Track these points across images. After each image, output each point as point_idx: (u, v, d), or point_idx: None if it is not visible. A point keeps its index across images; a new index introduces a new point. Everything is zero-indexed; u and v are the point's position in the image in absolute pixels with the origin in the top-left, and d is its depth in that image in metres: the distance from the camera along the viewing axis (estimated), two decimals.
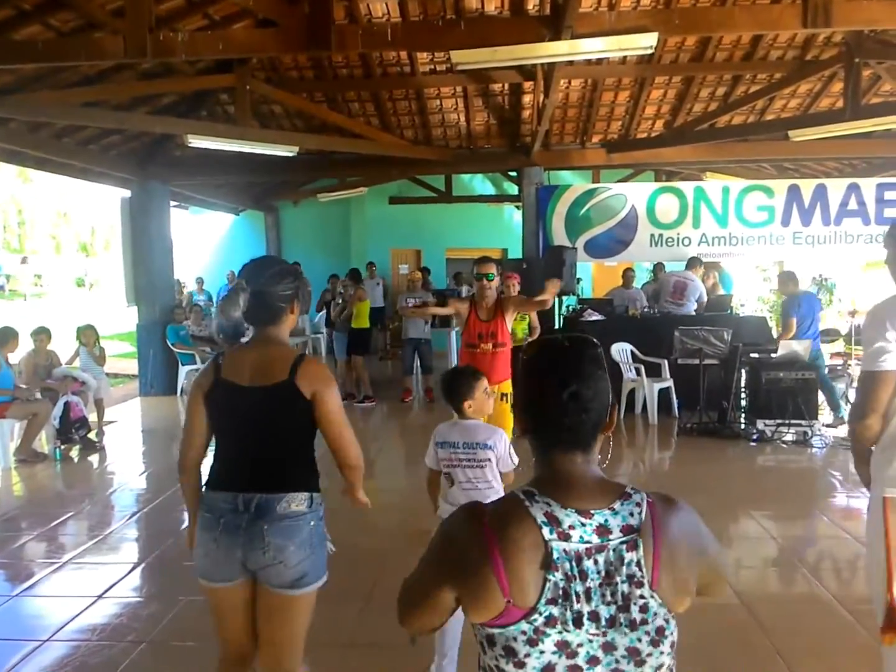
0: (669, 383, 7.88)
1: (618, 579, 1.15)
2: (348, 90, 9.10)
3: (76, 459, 6.90)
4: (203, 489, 2.29)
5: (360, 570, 3.93)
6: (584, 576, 1.15)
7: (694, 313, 8.47)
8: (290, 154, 8.34)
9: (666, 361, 7.86)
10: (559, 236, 9.61)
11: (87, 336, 7.87)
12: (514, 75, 8.26)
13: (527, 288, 8.81)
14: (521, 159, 9.75)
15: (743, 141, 9.41)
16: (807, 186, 9.58)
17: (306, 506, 2.20)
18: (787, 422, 7.00)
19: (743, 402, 7.75)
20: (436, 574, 1.28)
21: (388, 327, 13.70)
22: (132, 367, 11.61)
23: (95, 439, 7.24)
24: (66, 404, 7.02)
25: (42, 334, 7.28)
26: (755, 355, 7.54)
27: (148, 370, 10.04)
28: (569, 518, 1.17)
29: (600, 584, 1.15)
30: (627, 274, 9.97)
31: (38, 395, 7.01)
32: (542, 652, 1.15)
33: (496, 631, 1.18)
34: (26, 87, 6.86)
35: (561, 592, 1.14)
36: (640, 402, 8.04)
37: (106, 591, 3.88)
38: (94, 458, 7.03)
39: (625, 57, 7.89)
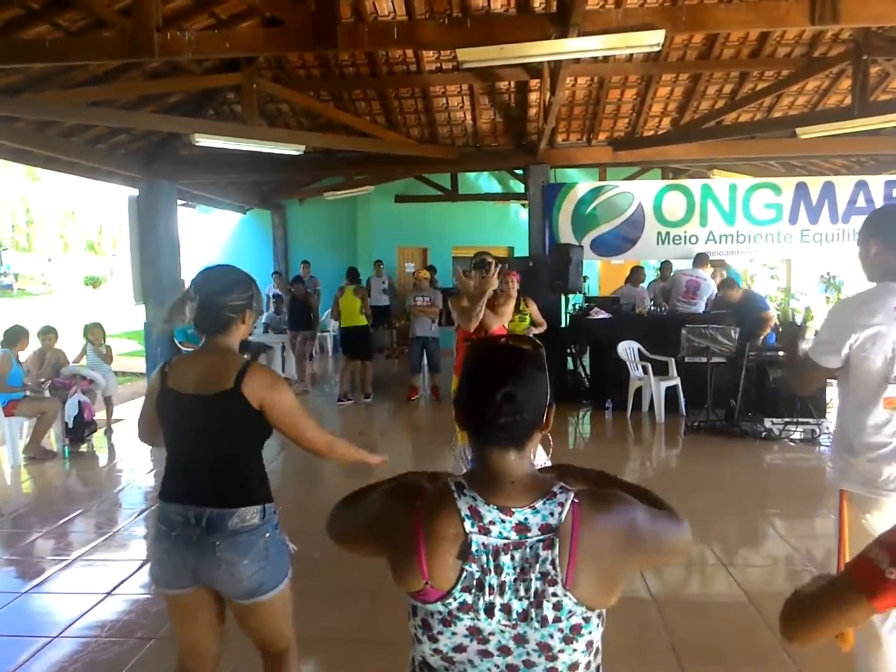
0: (676, 381, 7.86)
1: (532, 576, 1.18)
2: (355, 89, 9.10)
3: (85, 457, 6.94)
4: (158, 498, 2.28)
5: (367, 567, 3.93)
6: (499, 570, 1.19)
7: (704, 311, 8.46)
8: (297, 153, 8.35)
9: (673, 360, 7.85)
10: (565, 234, 9.59)
11: (95, 334, 7.91)
12: (520, 73, 8.25)
13: (533, 286, 8.83)
14: (528, 157, 9.73)
15: (750, 138, 9.37)
16: (815, 184, 9.53)
17: (259, 518, 2.17)
18: (795, 420, 6.98)
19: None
20: (369, 532, 1.36)
21: (395, 326, 13.71)
22: (140, 365, 11.66)
23: (86, 445, 7.28)
24: (80, 404, 7.06)
25: (50, 333, 7.31)
26: (763, 353, 7.52)
27: (155, 368, 10.07)
28: (490, 514, 1.21)
29: (515, 580, 1.19)
30: (637, 272, 9.95)
31: (47, 394, 7.05)
32: (454, 633, 1.21)
33: (417, 603, 1.25)
34: (34, 86, 6.89)
35: (475, 582, 1.19)
36: (646, 401, 8.03)
37: (115, 587, 3.91)
38: (102, 456, 7.07)
39: (631, 54, 7.86)
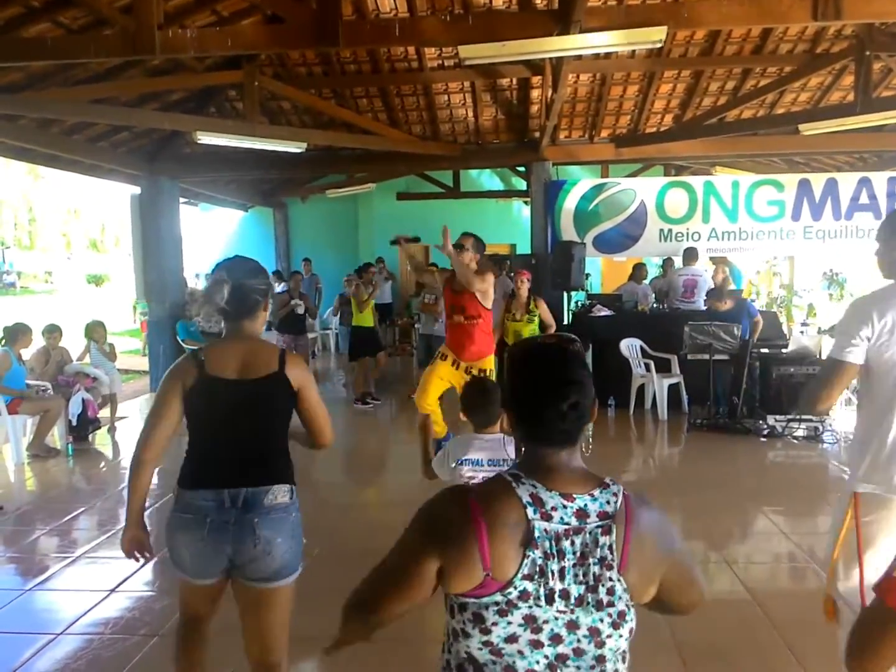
0: (679, 379, 7.86)
1: (591, 560, 1.22)
2: (356, 86, 9.09)
3: (88, 455, 6.95)
4: (176, 489, 2.28)
5: (370, 564, 3.94)
6: (561, 555, 1.21)
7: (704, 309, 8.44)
8: (299, 150, 8.35)
9: (676, 357, 7.84)
10: (568, 231, 9.58)
11: (97, 333, 7.91)
12: (522, 70, 8.24)
13: (536, 283, 8.81)
14: (530, 154, 9.72)
15: (753, 135, 9.35)
16: (817, 180, 9.51)
17: (289, 497, 2.27)
18: (797, 417, 6.97)
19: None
20: (421, 546, 1.30)
21: (397, 323, 13.71)
22: (143, 363, 11.67)
23: (90, 442, 7.29)
24: (84, 402, 7.07)
25: (54, 332, 7.33)
26: (765, 350, 7.51)
27: (158, 366, 10.08)
28: (552, 500, 1.24)
29: (574, 564, 1.22)
30: (639, 269, 9.93)
31: (51, 392, 7.06)
32: (509, 623, 1.22)
33: (470, 600, 1.24)
34: (36, 84, 6.89)
35: (538, 569, 1.21)
36: (649, 398, 8.02)
37: (118, 585, 3.91)
38: (106, 454, 7.08)
39: (633, 51, 7.86)
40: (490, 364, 5.07)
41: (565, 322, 9.43)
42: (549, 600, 1.21)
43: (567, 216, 9.62)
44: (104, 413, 7.63)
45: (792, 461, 6.54)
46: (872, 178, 9.42)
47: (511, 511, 1.23)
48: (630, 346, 8.02)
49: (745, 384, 7.31)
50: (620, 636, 1.25)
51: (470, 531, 1.22)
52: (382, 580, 1.38)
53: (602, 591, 1.22)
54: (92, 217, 42.24)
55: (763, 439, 6.96)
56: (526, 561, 1.21)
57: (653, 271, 11.37)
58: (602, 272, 14.08)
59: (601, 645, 1.24)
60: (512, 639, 1.22)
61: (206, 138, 7.57)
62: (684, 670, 3.05)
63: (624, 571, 1.23)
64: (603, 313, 8.59)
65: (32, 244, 41.86)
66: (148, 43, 4.99)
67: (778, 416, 7.07)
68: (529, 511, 1.22)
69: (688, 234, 9.57)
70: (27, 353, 7.11)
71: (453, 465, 2.91)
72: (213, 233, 15.69)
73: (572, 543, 1.22)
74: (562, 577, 1.21)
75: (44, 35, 5.91)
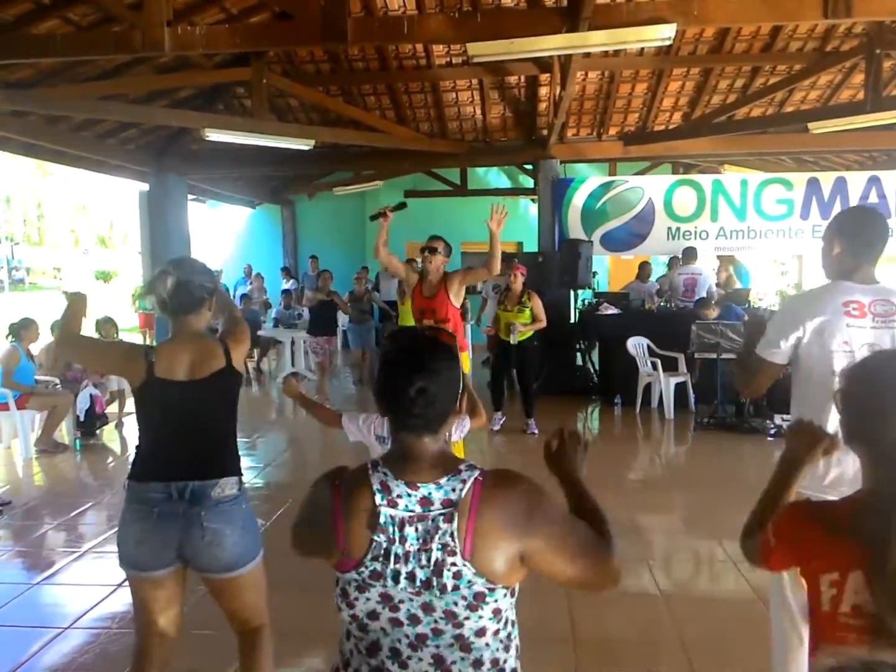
0: (686, 378, 7.84)
1: (433, 546, 1.28)
2: (364, 83, 9.10)
3: (96, 450, 6.98)
4: (127, 481, 2.32)
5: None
6: (403, 540, 1.29)
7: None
8: (306, 147, 8.36)
9: (682, 356, 7.82)
10: (575, 229, 9.56)
11: (107, 329, 7.94)
12: (530, 67, 8.22)
13: (542, 281, 8.81)
14: (537, 152, 9.70)
15: (762, 133, 9.32)
16: (826, 179, 9.46)
17: (237, 489, 2.31)
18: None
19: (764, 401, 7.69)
20: (304, 520, 1.47)
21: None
22: None
23: (98, 438, 7.32)
24: (92, 397, 7.11)
25: None
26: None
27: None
28: (398, 488, 1.31)
29: (418, 549, 1.29)
30: (643, 268, 9.91)
31: (59, 387, 7.10)
32: (367, 599, 1.32)
33: (338, 574, 1.36)
34: (45, 80, 6.92)
35: (383, 552, 1.29)
36: (656, 397, 8.00)
37: (125, 580, 3.91)
38: (113, 449, 7.11)
39: (642, 49, 7.83)
40: (465, 362, 5.07)
41: (572, 321, 9.43)
42: (395, 581, 1.29)
43: (574, 214, 9.59)
44: (112, 409, 7.66)
45: None
46: (882, 176, 9.36)
47: (364, 496, 1.32)
48: (637, 345, 8.01)
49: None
50: (480, 617, 1.30)
51: (330, 513, 1.35)
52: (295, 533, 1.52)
53: (447, 575, 1.27)
54: (100, 213, 42.38)
55: (770, 438, 6.93)
56: (374, 544, 1.29)
57: (659, 270, 11.34)
58: (609, 270, 14.05)
59: (459, 626, 1.30)
60: (373, 615, 1.32)
61: (214, 135, 7.59)
62: (690, 668, 3.05)
63: (469, 557, 1.27)
64: (610, 312, 8.58)
65: (41, 240, 42.05)
66: (157, 40, 5.01)
67: (785, 416, 7.02)
68: (378, 497, 1.31)
69: (696, 232, 9.54)
70: (35, 349, 7.14)
71: (368, 432, 2.96)
72: (220, 229, 15.73)
73: (416, 530, 1.29)
74: (406, 561, 1.28)
75: (53, 32, 5.93)
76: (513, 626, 1.38)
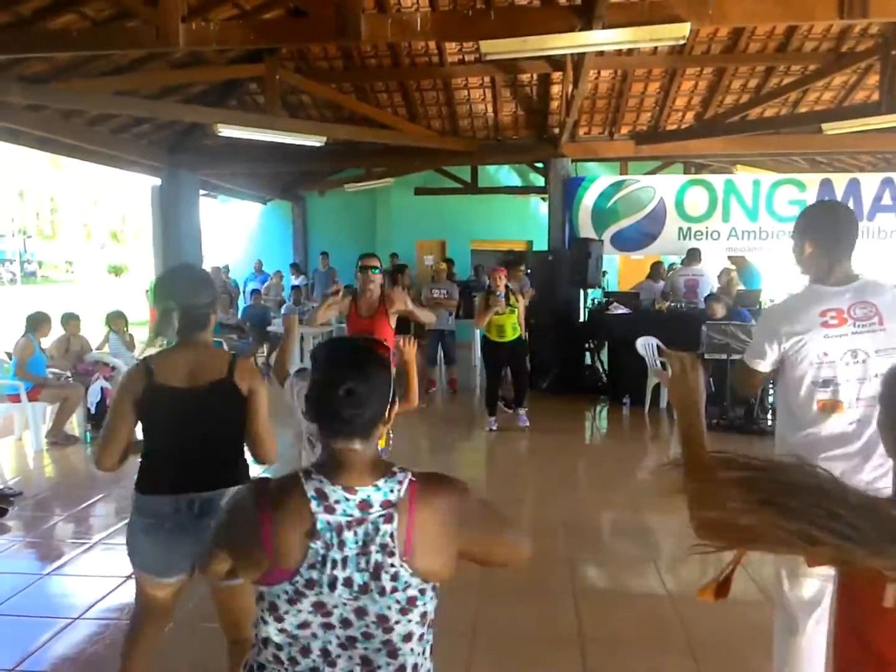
0: None
1: (372, 548, 1.29)
2: (376, 80, 9.11)
3: None
4: (134, 493, 2.32)
5: None
6: (342, 545, 1.29)
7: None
8: (318, 144, 8.37)
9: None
10: (586, 228, 9.54)
11: (117, 323, 7.99)
12: (543, 65, 8.21)
13: (552, 280, 8.80)
14: (549, 150, 9.68)
15: (775, 134, 9.27)
16: (840, 181, 9.40)
17: None
18: None
19: (770, 399, 7.66)
20: (217, 542, 1.50)
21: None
22: None
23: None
24: (103, 390, 7.15)
25: (73, 320, 7.41)
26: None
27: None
28: (335, 494, 1.31)
29: (357, 554, 1.29)
30: (657, 267, 9.87)
31: (70, 380, 7.15)
32: (299, 611, 1.31)
33: (264, 589, 1.33)
34: (60, 75, 6.96)
35: (320, 559, 1.29)
36: (665, 397, 7.97)
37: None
38: None
39: (656, 47, 7.80)
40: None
41: (582, 320, 9.42)
42: (332, 587, 1.29)
43: (585, 213, 9.58)
44: None
45: None
46: None
47: (297, 505, 1.31)
48: (646, 345, 7.98)
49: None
50: (409, 621, 1.32)
51: (256, 524, 1.32)
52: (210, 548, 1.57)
53: (385, 578, 1.29)
54: (112, 208, 42.61)
55: None
56: (310, 551, 1.29)
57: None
58: (619, 270, 14.02)
59: (389, 630, 1.32)
60: (304, 625, 1.32)
61: (226, 131, 7.62)
62: (696, 669, 3.04)
63: (409, 557, 1.30)
64: (620, 311, 8.56)
65: (54, 234, 42.32)
66: (172, 35, 5.03)
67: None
68: (313, 504, 1.30)
69: (707, 232, 9.51)
70: (46, 343, 7.19)
71: (298, 401, 2.92)
72: (232, 225, 15.78)
73: (355, 534, 1.29)
74: (344, 566, 1.29)
75: (69, 27, 5.97)
76: (429, 629, 1.41)
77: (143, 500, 2.29)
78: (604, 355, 9.26)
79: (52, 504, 5.19)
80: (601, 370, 9.19)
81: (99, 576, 3.94)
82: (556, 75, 8.64)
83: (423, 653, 1.40)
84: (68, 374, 7.27)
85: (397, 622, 1.31)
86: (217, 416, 2.29)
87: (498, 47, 5.15)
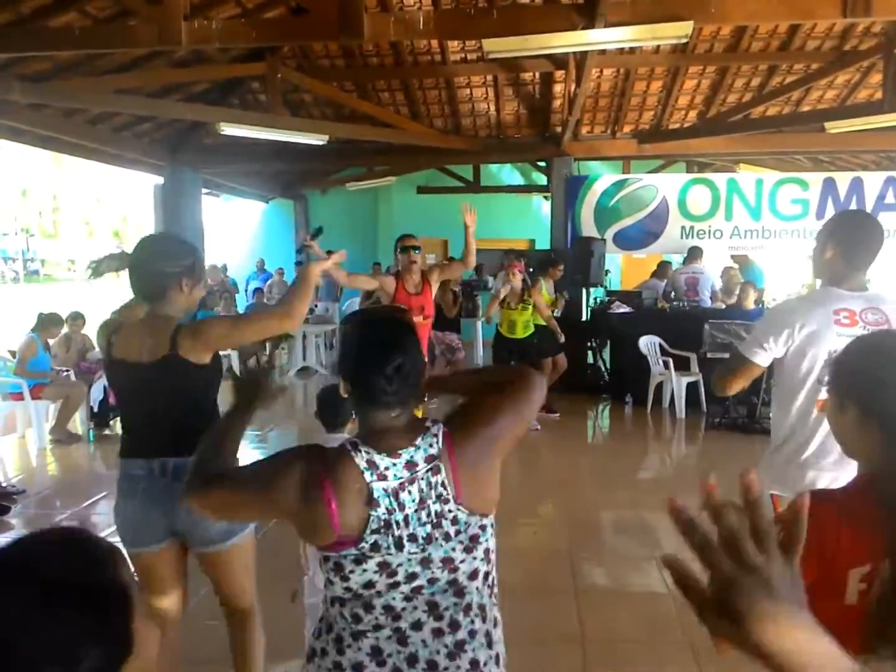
0: (698, 377, 7.80)
1: (429, 501, 1.36)
2: (378, 79, 9.10)
3: (109, 441, 7.03)
4: (118, 459, 2.36)
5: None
6: (402, 506, 1.36)
7: (723, 306, 8.38)
8: (320, 142, 8.38)
9: (695, 355, 7.78)
10: (588, 227, 9.53)
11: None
12: (545, 64, 8.20)
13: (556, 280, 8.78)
14: (551, 149, 9.67)
15: (778, 132, 9.25)
16: (843, 179, 9.38)
17: None
18: None
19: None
20: (260, 493, 1.45)
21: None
22: None
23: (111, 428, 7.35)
24: (106, 389, 7.16)
25: (78, 319, 7.44)
26: None
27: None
28: (383, 461, 1.37)
29: (416, 510, 1.36)
30: (664, 266, 9.86)
31: (73, 378, 7.16)
32: (364, 570, 1.36)
33: (330, 553, 1.38)
34: (62, 73, 6.96)
35: (383, 524, 1.35)
36: (667, 396, 7.97)
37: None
38: None
39: (658, 46, 7.79)
40: None
41: (584, 318, 9.41)
42: (399, 547, 1.35)
43: (588, 212, 9.56)
44: None
45: None
46: None
47: (352, 477, 1.36)
48: (649, 344, 7.98)
49: (763, 384, 7.24)
50: (474, 558, 1.39)
51: (320, 497, 1.35)
52: (227, 486, 1.51)
53: (447, 523, 1.36)
54: (114, 206, 42.64)
55: None
56: (372, 518, 1.35)
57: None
58: (622, 269, 14.00)
59: (455, 570, 1.38)
60: (370, 585, 1.37)
61: (228, 129, 7.62)
62: (698, 668, 3.04)
63: (462, 499, 1.37)
64: (622, 310, 8.55)
65: (56, 232, 42.37)
66: (174, 34, 5.02)
67: None
68: (367, 475, 1.36)
69: (710, 231, 9.50)
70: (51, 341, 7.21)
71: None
72: (234, 223, 15.79)
73: (410, 493, 1.36)
74: (407, 525, 1.35)
75: (71, 25, 5.96)
76: (494, 566, 1.48)
77: (122, 464, 2.33)
78: (606, 354, 9.26)
79: (54, 502, 5.20)
80: (603, 369, 9.19)
81: None
82: (559, 74, 8.63)
83: (491, 596, 1.46)
84: (66, 370, 7.27)
85: (462, 561, 1.38)
86: (168, 389, 2.24)
87: (500, 46, 5.14)
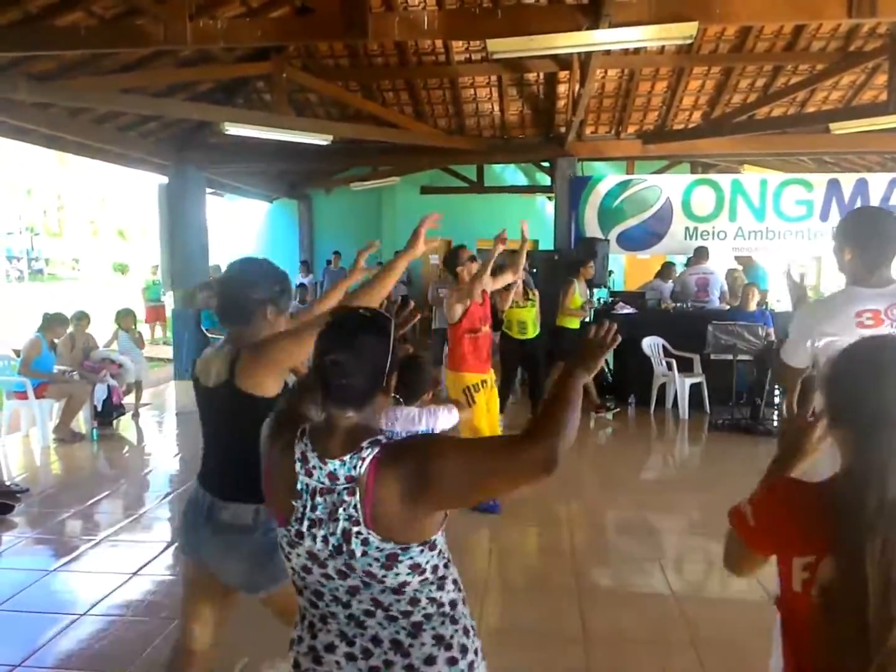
0: (701, 378, 7.79)
1: (340, 516, 1.36)
2: (383, 79, 9.10)
3: (112, 440, 7.05)
4: None
5: None
6: (314, 508, 1.39)
7: (727, 307, 8.37)
8: (324, 142, 8.38)
9: (698, 356, 7.77)
10: (591, 228, 9.53)
11: (126, 321, 8.01)
12: (549, 64, 8.19)
13: (558, 280, 8.77)
14: (555, 149, 9.66)
15: (782, 133, 9.22)
16: (847, 181, 9.36)
17: (251, 519, 2.10)
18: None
19: (776, 399, 7.64)
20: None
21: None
22: (166, 351, 11.80)
23: (114, 428, 7.39)
24: (109, 388, 7.18)
25: (83, 319, 7.45)
26: None
27: (183, 354, 10.18)
28: (313, 460, 1.40)
29: (327, 519, 1.38)
30: (668, 267, 9.85)
31: (77, 377, 7.17)
32: (298, 555, 1.43)
33: (279, 526, 1.47)
34: (67, 72, 6.97)
35: (300, 516, 1.40)
36: (670, 397, 7.96)
37: (140, 568, 3.97)
38: (129, 440, 7.18)
39: (663, 47, 7.78)
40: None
41: (587, 319, 9.39)
42: (314, 542, 1.39)
43: (591, 212, 9.56)
44: (129, 399, 7.73)
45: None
46: None
47: (287, 463, 1.43)
48: (652, 345, 7.97)
49: (767, 385, 7.24)
50: (398, 574, 1.38)
51: (266, 454, 1.52)
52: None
53: (356, 543, 1.35)
54: (118, 205, 42.70)
55: None
56: (296, 507, 1.40)
57: (680, 269, 11.27)
58: (625, 269, 13.99)
59: (381, 581, 1.38)
60: (306, 569, 1.43)
61: (233, 129, 7.62)
62: (701, 669, 3.04)
63: (373, 526, 1.35)
64: (625, 311, 8.54)
65: (60, 231, 42.44)
66: (179, 33, 5.03)
67: None
68: (297, 466, 1.41)
69: (714, 232, 9.48)
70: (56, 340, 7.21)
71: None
72: (238, 223, 15.81)
73: (325, 501, 1.38)
74: (319, 527, 1.38)
75: (77, 24, 5.97)
76: (445, 567, 1.47)
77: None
78: (609, 355, 9.23)
79: (58, 501, 5.20)
80: (606, 369, 9.17)
81: (105, 572, 3.96)
82: (563, 74, 8.62)
83: (439, 588, 1.45)
84: (70, 369, 7.28)
85: (384, 576, 1.38)
86: (225, 419, 2.16)
87: (505, 46, 5.14)
